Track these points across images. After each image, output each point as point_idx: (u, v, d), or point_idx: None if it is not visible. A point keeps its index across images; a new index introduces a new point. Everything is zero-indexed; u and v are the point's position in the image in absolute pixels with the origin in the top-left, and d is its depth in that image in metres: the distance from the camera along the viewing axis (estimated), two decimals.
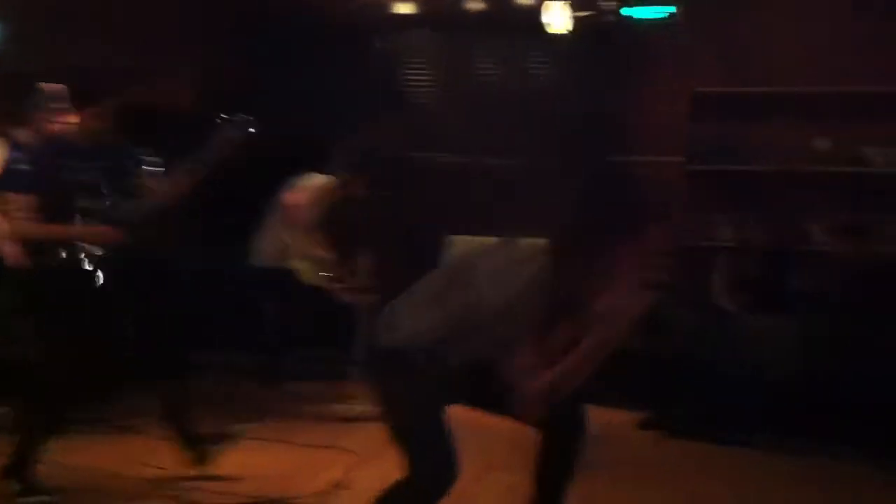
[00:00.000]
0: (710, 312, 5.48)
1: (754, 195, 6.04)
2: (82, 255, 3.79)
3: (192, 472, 4.06)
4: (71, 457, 4.04)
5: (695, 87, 6.24)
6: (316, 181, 5.34)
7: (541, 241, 2.65)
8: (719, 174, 6.20)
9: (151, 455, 4.25)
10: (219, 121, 3.95)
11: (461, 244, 6.23)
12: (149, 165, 4.02)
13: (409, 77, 7.05)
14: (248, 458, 4.36)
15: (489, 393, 2.72)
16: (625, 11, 6.19)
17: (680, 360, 5.20)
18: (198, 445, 4.11)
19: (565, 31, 6.12)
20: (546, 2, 6.06)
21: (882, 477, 4.53)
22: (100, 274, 3.81)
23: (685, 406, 5.15)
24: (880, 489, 4.39)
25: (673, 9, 6.25)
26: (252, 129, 3.99)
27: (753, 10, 6.22)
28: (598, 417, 4.81)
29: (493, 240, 2.86)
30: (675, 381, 5.17)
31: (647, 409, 5.24)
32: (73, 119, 3.97)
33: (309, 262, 5.31)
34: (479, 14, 6.68)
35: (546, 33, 6.14)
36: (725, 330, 5.27)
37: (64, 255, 3.76)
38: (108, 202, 3.84)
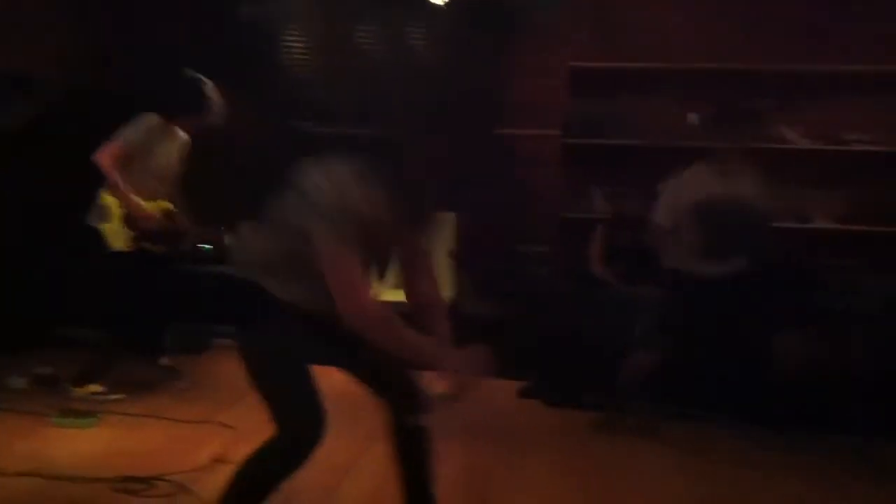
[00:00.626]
0: (585, 282, 5.59)
1: (629, 169, 6.18)
2: None
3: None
4: None
5: (572, 61, 6.32)
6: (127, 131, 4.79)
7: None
8: (595, 148, 6.32)
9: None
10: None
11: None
12: None
13: (283, 43, 6.92)
14: (123, 434, 4.25)
15: (335, 347, 2.76)
16: None
17: (556, 329, 5.30)
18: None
19: (444, 3, 6.11)
20: None
21: (741, 440, 4.74)
22: None
23: (564, 374, 5.26)
24: (744, 451, 4.59)
25: None
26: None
27: None
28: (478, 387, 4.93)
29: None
30: (553, 349, 5.27)
31: (526, 378, 5.33)
32: None
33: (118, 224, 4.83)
34: None
35: (426, 4, 6.12)
36: (600, 299, 5.39)
37: None
38: None
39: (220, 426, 4.42)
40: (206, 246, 6.32)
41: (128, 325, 4.94)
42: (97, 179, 4.73)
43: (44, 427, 4.27)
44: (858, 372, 4.82)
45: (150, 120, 4.78)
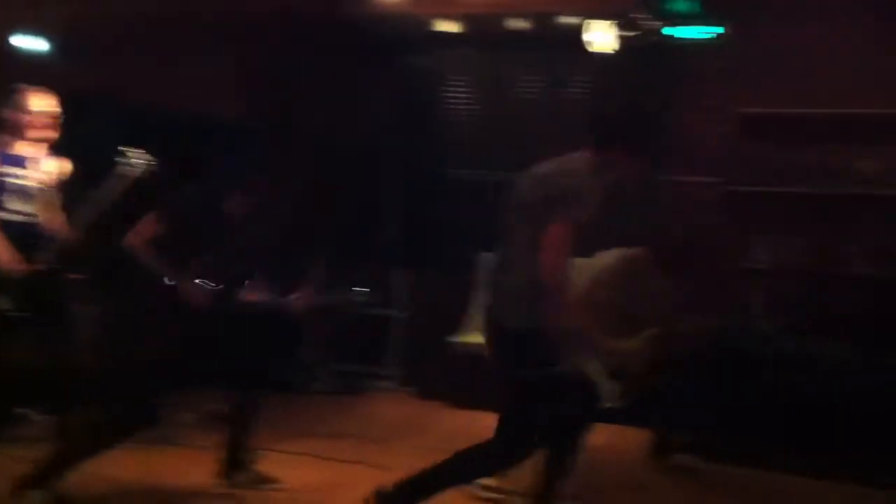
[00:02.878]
0: (752, 334, 5.37)
1: (797, 217, 5.91)
2: None
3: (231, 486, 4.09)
4: (106, 468, 4.02)
5: (739, 108, 6.14)
6: None
7: None
8: (761, 196, 6.08)
9: (191, 467, 4.27)
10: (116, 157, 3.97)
11: None
12: None
13: (450, 95, 7.04)
14: (281, 472, 4.33)
15: None
16: (668, 31, 6.10)
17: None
18: (245, 458, 4.14)
19: (609, 51, 6.06)
20: (588, 21, 6.02)
21: None
22: None
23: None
24: None
25: (722, 29, 6.17)
26: (151, 164, 4.00)
27: (805, 29, 6.12)
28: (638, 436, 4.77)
29: None
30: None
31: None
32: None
33: None
34: (521, 33, 6.66)
35: (589, 52, 6.09)
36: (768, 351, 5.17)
37: None
38: None
39: (373, 467, 4.46)
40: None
41: None
42: None
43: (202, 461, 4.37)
44: None
45: None
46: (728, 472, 4.86)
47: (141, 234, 3.94)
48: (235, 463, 4.16)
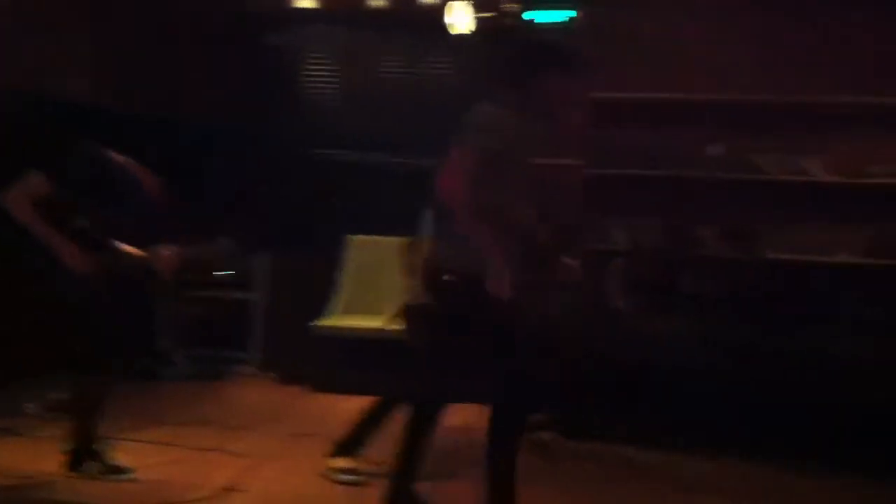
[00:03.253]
0: (604, 314, 5.52)
1: (648, 200, 6.10)
2: None
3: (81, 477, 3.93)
4: None
5: (595, 93, 6.28)
6: None
7: None
8: (616, 179, 6.25)
9: (38, 459, 4.08)
10: None
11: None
12: None
13: (309, 73, 6.93)
14: (135, 461, 4.19)
15: None
16: (527, 15, 6.19)
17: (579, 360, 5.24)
18: (95, 448, 3.99)
19: (467, 32, 6.10)
20: (449, 2, 6.04)
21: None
22: None
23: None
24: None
25: (573, 13, 6.30)
26: None
27: (659, 13, 6.32)
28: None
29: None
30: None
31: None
32: None
33: None
34: (381, 11, 6.63)
35: (449, 33, 6.12)
36: (617, 330, 5.33)
37: None
38: None
39: (231, 454, 4.38)
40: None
41: None
42: None
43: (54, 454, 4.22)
44: None
45: None
46: (586, 448, 4.98)
47: (24, 191, 3.75)
48: (85, 453, 4.00)
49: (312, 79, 6.93)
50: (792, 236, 5.88)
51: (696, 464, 4.78)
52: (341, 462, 4.13)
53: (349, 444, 4.17)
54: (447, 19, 5.95)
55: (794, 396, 4.81)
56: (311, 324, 5.79)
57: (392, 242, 6.26)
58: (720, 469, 4.72)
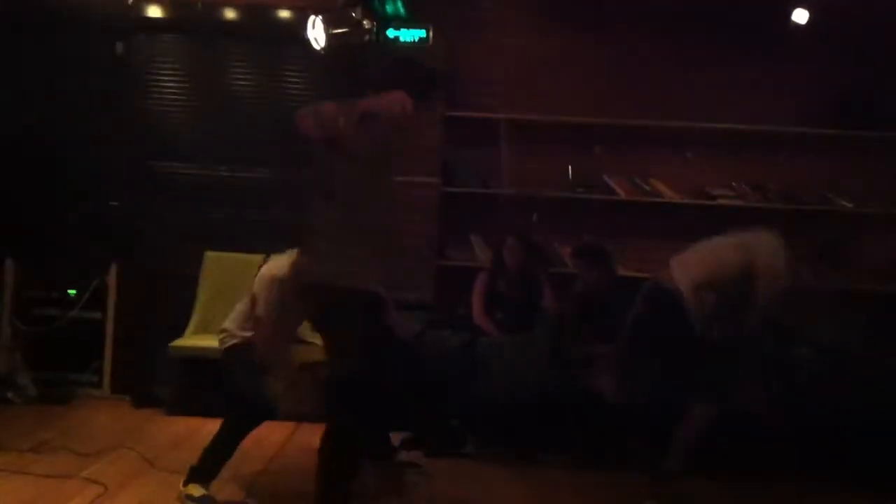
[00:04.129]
0: (467, 332, 5.61)
1: (508, 217, 6.26)
2: None
3: None
4: None
5: (447, 111, 6.40)
6: None
7: None
8: (472, 196, 6.39)
9: None
10: None
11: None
12: None
13: (156, 83, 6.72)
14: None
15: None
16: (388, 32, 6.23)
17: (439, 380, 5.30)
18: None
19: (321, 47, 6.08)
20: (303, 14, 6.01)
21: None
22: None
23: (445, 425, 5.26)
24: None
25: (423, 32, 6.39)
26: None
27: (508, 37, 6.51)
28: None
29: None
30: (435, 399, 5.27)
31: (407, 429, 5.28)
32: None
33: None
34: (234, 23, 6.51)
35: (304, 47, 6.08)
36: (482, 349, 5.43)
37: None
38: None
39: (85, 481, 4.20)
40: None
41: None
42: None
43: None
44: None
45: None
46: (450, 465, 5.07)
47: None
48: None
49: (159, 90, 6.71)
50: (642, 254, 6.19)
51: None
52: (194, 489, 4.04)
53: (203, 470, 4.09)
54: (308, 33, 5.90)
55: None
56: (168, 344, 5.63)
57: (249, 259, 6.22)
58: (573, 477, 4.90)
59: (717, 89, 6.39)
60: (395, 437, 5.07)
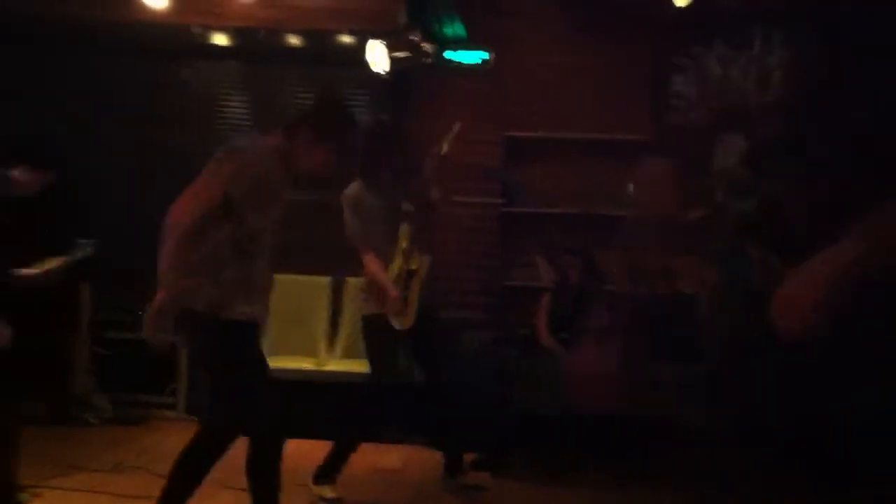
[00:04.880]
0: (532, 352, 5.64)
1: (570, 237, 6.28)
2: None
3: None
4: None
5: (506, 132, 6.46)
6: None
7: None
8: (533, 216, 6.44)
9: None
10: None
11: None
12: None
13: (221, 107, 6.89)
14: None
15: None
16: (446, 55, 6.32)
17: (509, 401, 5.35)
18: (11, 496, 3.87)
19: (383, 71, 6.18)
20: (365, 39, 6.11)
21: None
22: None
23: (513, 446, 5.29)
24: None
25: (485, 54, 6.47)
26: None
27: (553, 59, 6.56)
28: (433, 457, 4.95)
29: None
30: (503, 421, 5.31)
31: (479, 450, 5.33)
32: None
33: None
34: (295, 48, 6.65)
35: (366, 71, 6.19)
36: (546, 368, 5.45)
37: None
38: None
39: None
40: None
41: None
42: None
43: None
44: None
45: None
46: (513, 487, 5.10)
47: None
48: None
49: (223, 115, 6.88)
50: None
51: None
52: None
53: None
54: (368, 57, 6.01)
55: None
56: None
57: (312, 280, 6.33)
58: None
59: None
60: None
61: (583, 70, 6.57)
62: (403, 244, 4.70)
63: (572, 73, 6.58)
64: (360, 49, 6.12)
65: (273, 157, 3.50)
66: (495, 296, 6.38)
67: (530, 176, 6.57)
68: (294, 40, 6.63)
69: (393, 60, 6.17)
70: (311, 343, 6.29)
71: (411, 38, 6.29)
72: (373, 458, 5.24)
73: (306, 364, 6.03)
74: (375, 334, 4.64)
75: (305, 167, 3.63)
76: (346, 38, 6.62)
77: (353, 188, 4.74)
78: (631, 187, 6.31)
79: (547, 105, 6.60)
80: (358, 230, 4.63)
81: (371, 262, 4.58)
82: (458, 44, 6.46)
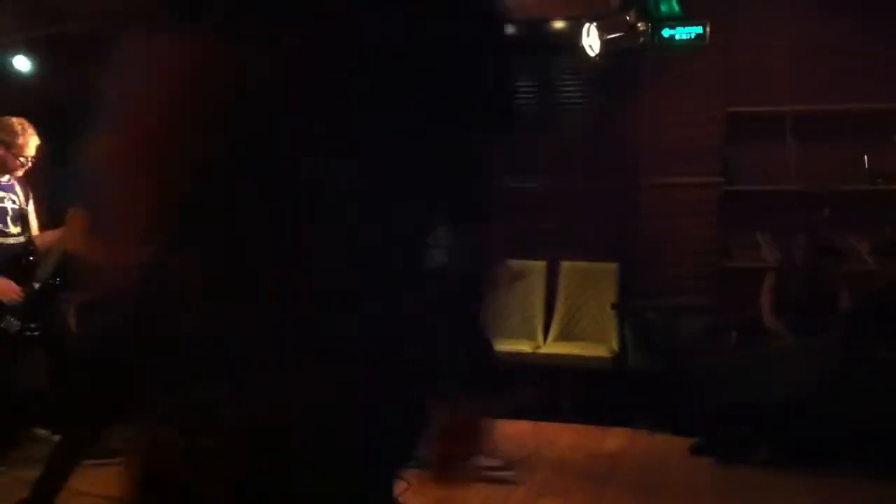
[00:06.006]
0: (755, 334, 5.43)
1: (793, 214, 5.98)
2: None
3: None
4: None
5: (727, 107, 6.22)
6: None
7: None
8: (757, 194, 6.17)
9: None
10: None
11: None
12: None
13: None
14: None
15: None
16: (664, 32, 6.18)
17: (727, 384, 5.16)
18: None
19: (596, 53, 6.12)
20: (583, 24, 6.06)
21: None
22: None
23: (736, 431, 5.11)
24: None
25: (700, 29, 6.27)
26: None
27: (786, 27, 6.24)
28: (651, 443, 4.87)
29: None
30: (725, 405, 5.13)
31: (698, 435, 5.19)
32: None
33: None
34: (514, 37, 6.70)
35: (580, 55, 6.14)
36: (771, 352, 5.23)
37: None
38: None
39: None
40: None
41: None
42: None
43: None
44: None
45: None
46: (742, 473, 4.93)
47: None
48: None
49: None
50: None
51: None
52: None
53: None
54: (583, 41, 5.97)
55: None
56: None
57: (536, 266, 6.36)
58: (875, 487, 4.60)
59: None
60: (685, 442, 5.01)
61: (808, 43, 6.20)
62: None
63: (798, 43, 6.23)
64: (575, 34, 6.09)
65: None
66: (716, 278, 6.15)
67: (754, 154, 6.28)
68: (511, 30, 6.68)
69: (606, 42, 6.10)
70: (528, 326, 6.32)
71: (626, 17, 6.20)
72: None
73: (524, 347, 6.05)
74: None
75: None
76: (561, 24, 6.58)
77: None
78: (866, 160, 5.95)
79: (772, 77, 6.28)
80: None
81: None
82: (673, 21, 6.31)
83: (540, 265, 6.47)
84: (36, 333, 4.50)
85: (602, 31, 6.06)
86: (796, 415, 4.95)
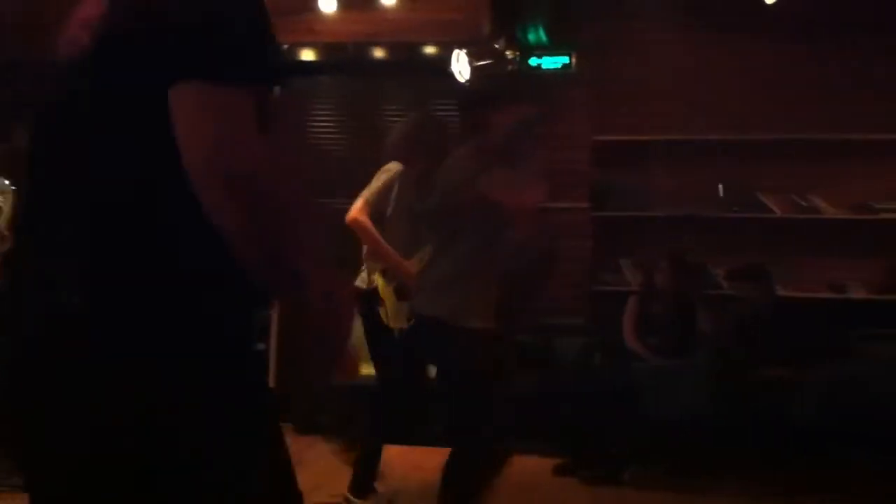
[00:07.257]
0: (620, 356, 5.56)
1: (658, 240, 6.17)
2: None
3: None
4: None
5: (594, 135, 6.39)
6: None
7: None
8: (624, 220, 6.34)
9: None
10: None
11: None
12: None
13: (313, 123, 7.01)
14: None
15: None
16: (530, 61, 6.31)
17: (591, 404, 5.26)
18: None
19: (465, 79, 6.19)
20: (454, 50, 6.13)
21: None
22: None
23: (600, 451, 5.20)
24: None
25: (566, 59, 6.43)
26: None
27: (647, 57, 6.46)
28: (514, 463, 4.88)
29: None
30: (589, 425, 5.22)
31: (562, 455, 5.26)
32: None
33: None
34: (383, 61, 6.71)
35: (451, 81, 6.20)
36: (634, 373, 5.36)
37: None
38: None
39: None
40: None
41: None
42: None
43: None
44: None
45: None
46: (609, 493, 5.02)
47: None
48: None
49: (315, 129, 7.00)
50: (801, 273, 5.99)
51: None
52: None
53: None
54: (452, 67, 6.03)
55: None
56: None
57: None
58: None
59: (878, 97, 6.10)
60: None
61: (677, 69, 6.43)
62: None
63: (665, 72, 6.45)
64: (446, 59, 6.15)
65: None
66: (587, 300, 6.29)
67: (621, 180, 6.46)
68: (381, 53, 6.69)
69: (475, 69, 6.18)
70: None
71: (495, 45, 6.30)
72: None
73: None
74: None
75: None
76: (431, 49, 6.64)
77: None
78: (721, 189, 6.20)
79: (637, 107, 6.47)
80: None
81: None
82: (541, 50, 6.46)
83: None
84: None
85: (472, 57, 6.14)
86: (664, 435, 5.09)
